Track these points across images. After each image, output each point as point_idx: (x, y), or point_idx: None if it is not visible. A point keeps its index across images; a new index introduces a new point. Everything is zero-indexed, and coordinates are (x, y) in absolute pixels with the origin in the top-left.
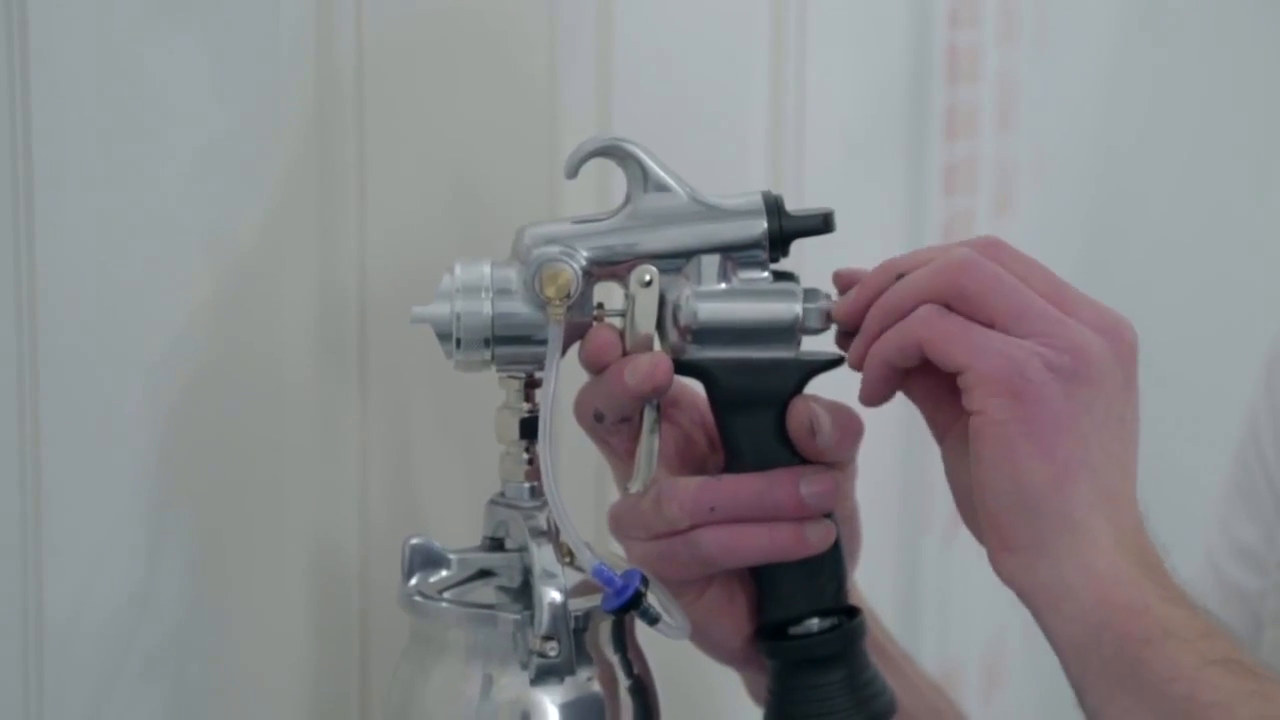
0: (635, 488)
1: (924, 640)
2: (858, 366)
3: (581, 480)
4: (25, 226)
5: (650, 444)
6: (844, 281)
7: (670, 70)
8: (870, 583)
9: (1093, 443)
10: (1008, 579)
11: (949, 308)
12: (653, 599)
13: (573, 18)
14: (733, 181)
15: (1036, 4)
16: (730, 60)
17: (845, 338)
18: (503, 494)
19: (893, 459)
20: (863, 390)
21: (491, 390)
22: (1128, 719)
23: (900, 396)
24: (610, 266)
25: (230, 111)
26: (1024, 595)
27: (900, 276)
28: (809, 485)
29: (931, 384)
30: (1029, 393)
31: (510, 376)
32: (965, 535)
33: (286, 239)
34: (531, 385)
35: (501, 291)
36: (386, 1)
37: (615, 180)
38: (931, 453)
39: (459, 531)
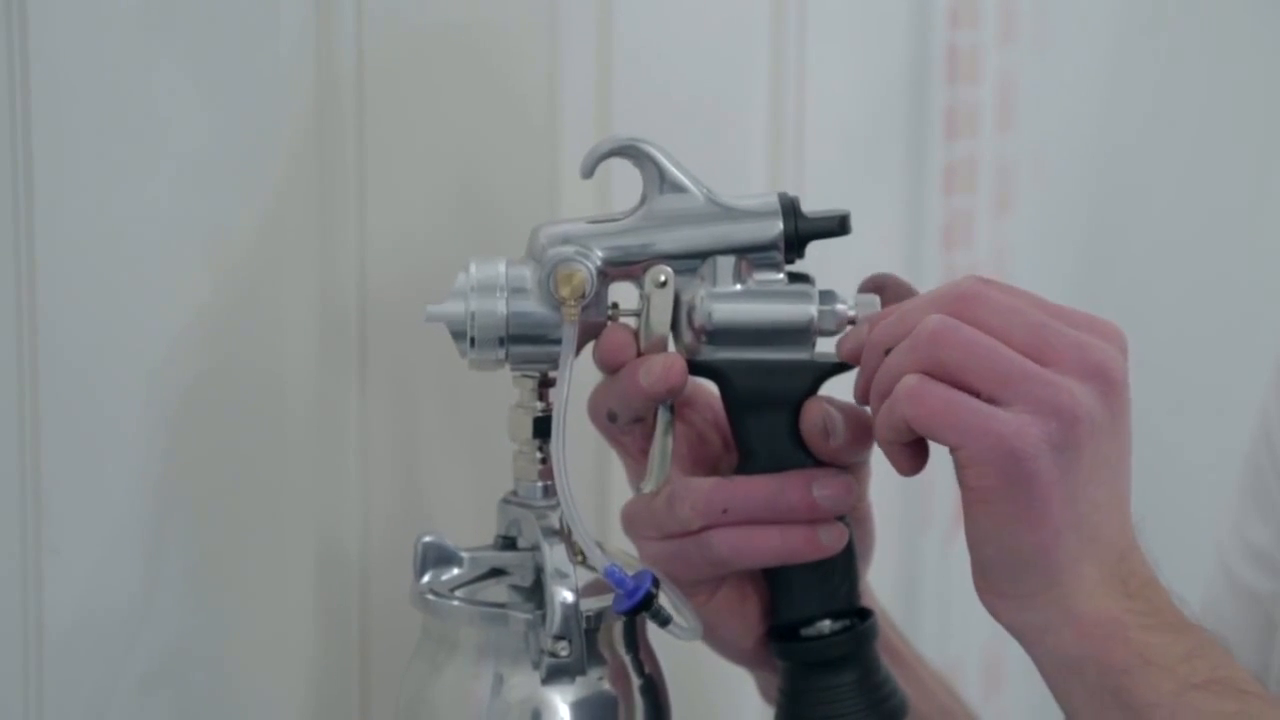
0: (648, 488)
1: (924, 640)
2: (877, 442)
3: (583, 478)
4: (25, 229)
5: (664, 444)
6: (847, 354)
7: (670, 70)
8: (871, 582)
9: (1080, 498)
10: (993, 615)
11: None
12: (664, 600)
13: (573, 19)
14: (733, 182)
15: (1036, 4)
16: (730, 60)
17: None
18: (515, 493)
19: None
20: (891, 464)
21: (492, 390)
22: None
23: None
24: (625, 267)
25: (231, 114)
26: (1009, 630)
27: (888, 351)
28: (822, 488)
29: None
30: (1019, 475)
31: (524, 375)
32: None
33: (287, 241)
34: (545, 384)
35: (516, 290)
36: (387, 6)
37: (618, 180)
38: (931, 452)
39: (461, 532)
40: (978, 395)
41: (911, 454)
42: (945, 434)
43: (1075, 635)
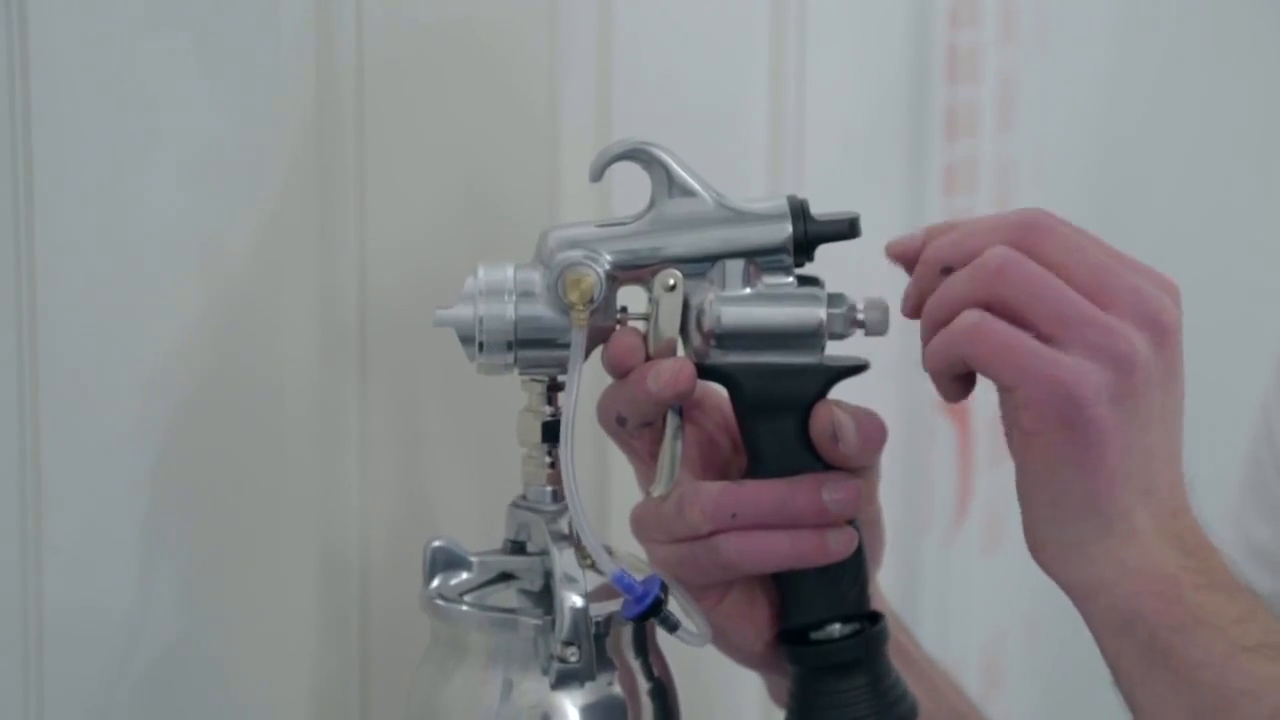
0: (658, 492)
1: (924, 640)
2: (925, 368)
3: (585, 483)
4: (25, 229)
5: (673, 448)
6: (896, 254)
7: (670, 70)
8: (881, 585)
9: (1134, 448)
10: (1047, 572)
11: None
12: (673, 606)
13: (573, 19)
14: (733, 182)
15: (1036, 4)
16: (730, 60)
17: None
18: (524, 497)
19: (893, 459)
20: (937, 390)
21: (494, 395)
22: (1160, 704)
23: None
24: (634, 270)
25: (231, 116)
26: (1061, 586)
27: (945, 270)
28: (831, 492)
29: None
30: (1078, 420)
31: (533, 380)
32: (965, 535)
33: (287, 243)
34: (554, 389)
35: (525, 294)
36: (386, 6)
37: (620, 183)
38: (931, 452)
39: (463, 538)
40: (1035, 332)
41: (960, 384)
42: (1004, 374)
43: (1130, 591)
